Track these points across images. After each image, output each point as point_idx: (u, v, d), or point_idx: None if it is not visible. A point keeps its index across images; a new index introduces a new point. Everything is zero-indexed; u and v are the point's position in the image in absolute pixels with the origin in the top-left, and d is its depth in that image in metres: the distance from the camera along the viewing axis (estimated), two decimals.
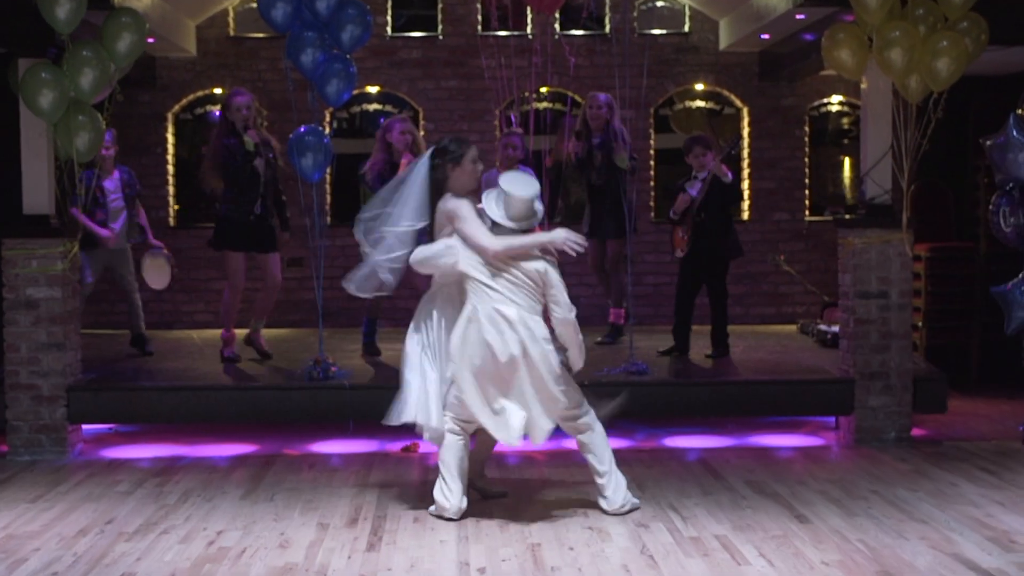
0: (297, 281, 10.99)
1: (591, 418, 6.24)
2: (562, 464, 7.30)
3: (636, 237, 9.67)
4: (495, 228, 6.17)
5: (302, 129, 8.11)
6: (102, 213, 9.10)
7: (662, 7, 11.71)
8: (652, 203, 11.73)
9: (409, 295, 10.40)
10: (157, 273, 9.57)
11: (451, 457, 6.18)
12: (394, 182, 6.62)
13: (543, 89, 11.49)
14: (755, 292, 11.63)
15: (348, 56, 8.09)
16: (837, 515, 6.13)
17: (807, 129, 11.88)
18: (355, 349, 9.34)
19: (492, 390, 6.04)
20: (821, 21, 9.05)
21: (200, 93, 11.65)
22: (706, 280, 8.96)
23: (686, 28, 11.72)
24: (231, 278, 8.95)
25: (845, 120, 11.99)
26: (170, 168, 11.70)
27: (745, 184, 11.79)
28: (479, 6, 11.56)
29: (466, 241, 6.12)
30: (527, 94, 10.97)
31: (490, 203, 6.22)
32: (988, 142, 7.97)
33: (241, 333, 9.19)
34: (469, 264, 6.08)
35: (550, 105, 11.61)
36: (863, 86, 8.16)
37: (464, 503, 6.14)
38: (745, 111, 11.81)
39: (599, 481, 6.23)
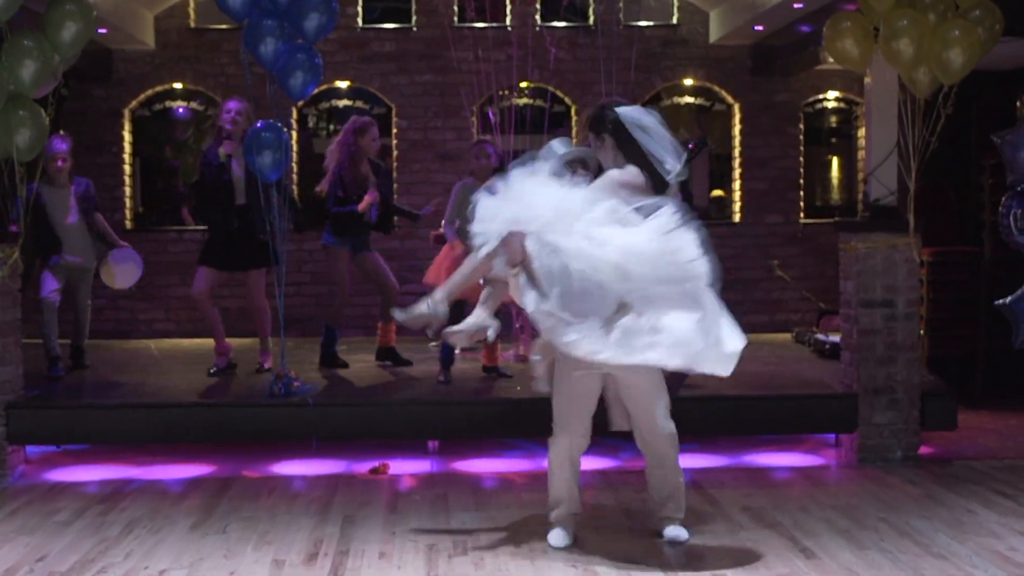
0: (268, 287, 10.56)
1: None
2: (543, 489, 6.75)
3: None
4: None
5: (259, 124, 7.65)
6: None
7: None
8: None
9: (371, 303, 10.04)
10: (122, 274, 9.05)
11: None
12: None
13: (523, 84, 11.18)
14: (747, 299, 11.25)
15: (312, 47, 7.66)
16: (846, 548, 5.60)
17: (801, 127, 11.68)
18: None
19: None
20: (820, 11, 8.82)
21: (159, 88, 11.31)
22: None
23: (675, 19, 11.50)
24: (192, 289, 8.60)
25: (836, 117, 11.88)
26: (127, 168, 11.34)
27: (736, 185, 11.59)
28: None
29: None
30: (504, 92, 10.79)
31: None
32: (1000, 139, 7.60)
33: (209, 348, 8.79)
34: None
35: (530, 101, 11.30)
36: (867, 80, 7.82)
37: None
38: (736, 107, 11.60)
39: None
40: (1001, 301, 7.44)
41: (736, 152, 11.62)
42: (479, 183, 8.47)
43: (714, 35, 11.30)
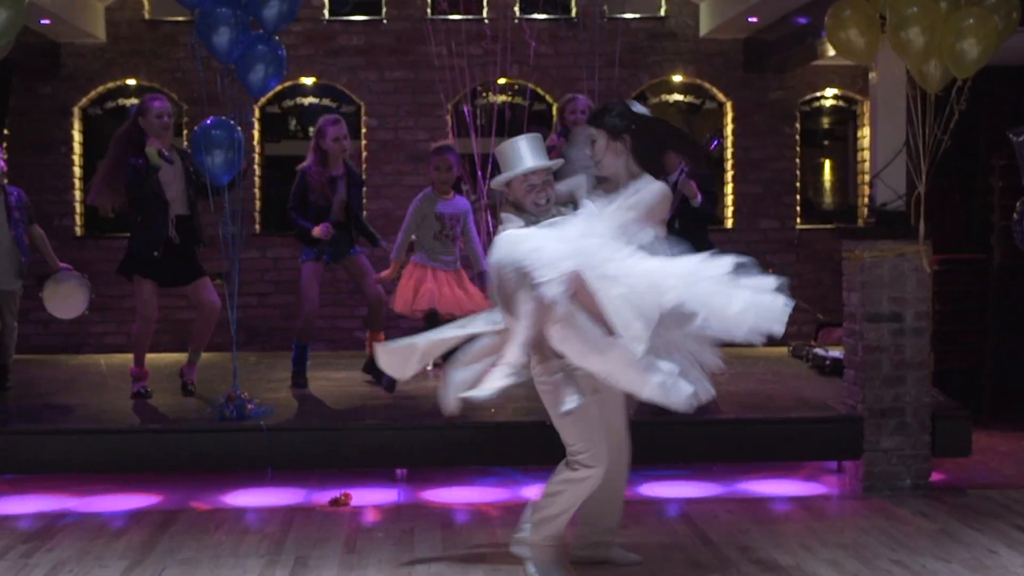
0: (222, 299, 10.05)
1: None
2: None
3: None
4: None
5: (208, 121, 7.15)
6: None
7: None
8: None
9: (348, 314, 9.51)
10: (66, 301, 8.35)
11: None
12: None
13: (501, 80, 10.86)
14: None
15: (273, 37, 7.19)
16: None
17: (798, 126, 11.36)
18: (285, 379, 8.40)
19: None
20: (818, 1, 8.33)
21: (111, 84, 10.88)
22: None
23: (662, 11, 11.22)
24: (141, 308, 7.86)
25: (835, 116, 11.62)
26: (76, 170, 10.88)
27: (728, 188, 11.21)
28: None
29: None
30: (481, 89, 10.58)
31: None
32: (1016, 136, 7.30)
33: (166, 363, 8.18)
34: None
35: (508, 98, 11.01)
36: (871, 75, 7.36)
37: None
38: (728, 105, 11.29)
39: None
40: None
41: (728, 153, 11.31)
42: (439, 195, 8.04)
43: (704, 28, 11.01)
